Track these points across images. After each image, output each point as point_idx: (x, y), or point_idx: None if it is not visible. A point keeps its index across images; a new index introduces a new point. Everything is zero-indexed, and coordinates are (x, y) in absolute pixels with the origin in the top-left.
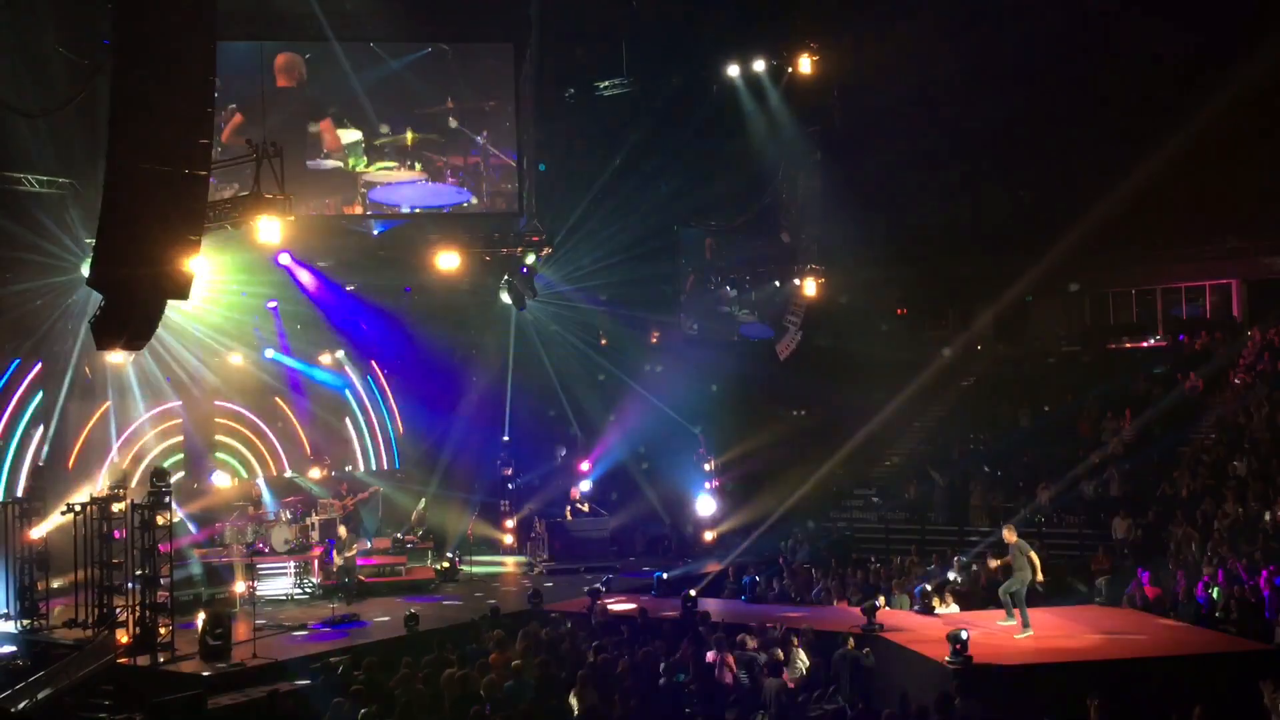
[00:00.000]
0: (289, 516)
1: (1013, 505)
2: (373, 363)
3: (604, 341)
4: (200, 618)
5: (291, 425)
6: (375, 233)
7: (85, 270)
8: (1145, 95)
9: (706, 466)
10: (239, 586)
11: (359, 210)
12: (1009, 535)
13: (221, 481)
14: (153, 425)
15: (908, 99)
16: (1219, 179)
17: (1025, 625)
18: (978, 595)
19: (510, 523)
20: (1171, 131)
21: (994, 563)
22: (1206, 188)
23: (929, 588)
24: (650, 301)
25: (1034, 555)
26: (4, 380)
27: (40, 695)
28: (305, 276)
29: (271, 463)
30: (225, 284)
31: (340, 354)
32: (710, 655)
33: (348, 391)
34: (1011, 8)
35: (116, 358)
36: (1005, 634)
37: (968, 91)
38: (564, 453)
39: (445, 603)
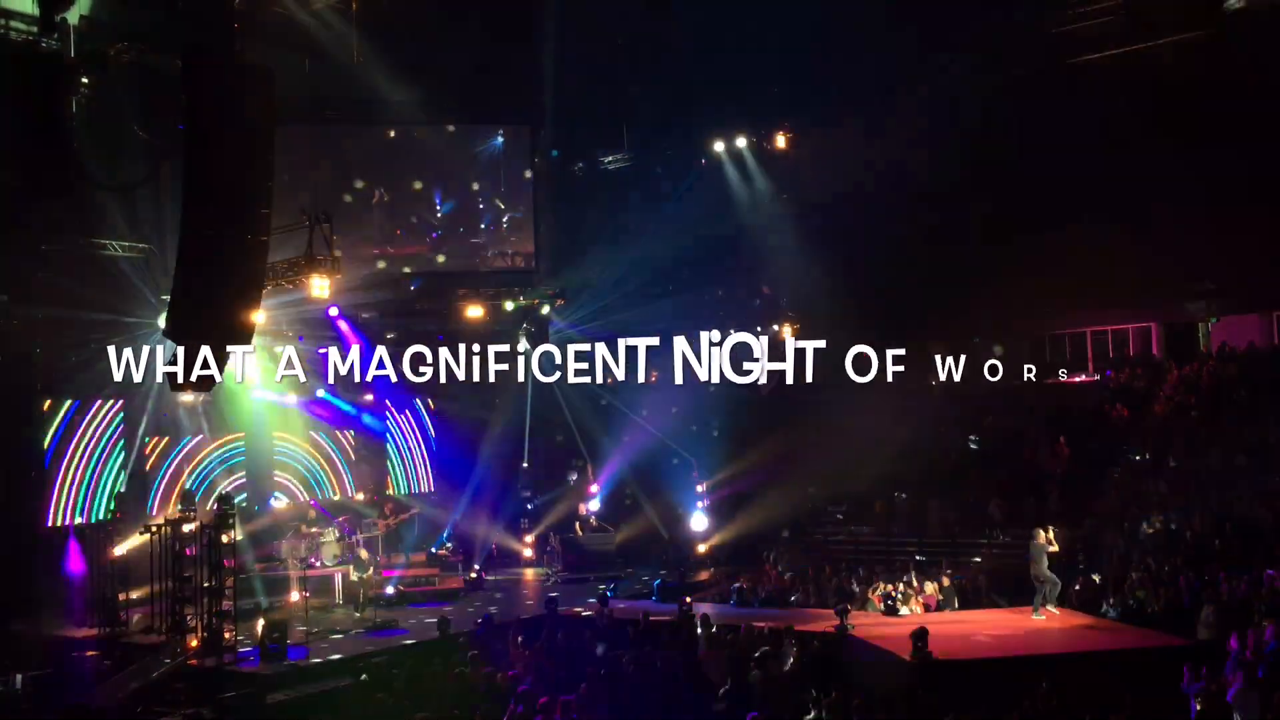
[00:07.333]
0: (338, 535)
1: (966, 520)
2: (414, 398)
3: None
4: (260, 624)
5: (340, 454)
6: (412, 287)
7: (161, 323)
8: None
9: (699, 487)
10: (294, 596)
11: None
12: (1041, 535)
13: (279, 504)
14: (219, 456)
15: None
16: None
17: (1042, 608)
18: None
19: (529, 538)
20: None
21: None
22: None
23: (894, 592)
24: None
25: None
26: (67, 419)
27: (121, 693)
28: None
29: (323, 487)
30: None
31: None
32: (702, 653)
33: (389, 424)
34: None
35: (188, 398)
36: (964, 631)
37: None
38: (575, 477)
39: (472, 609)
